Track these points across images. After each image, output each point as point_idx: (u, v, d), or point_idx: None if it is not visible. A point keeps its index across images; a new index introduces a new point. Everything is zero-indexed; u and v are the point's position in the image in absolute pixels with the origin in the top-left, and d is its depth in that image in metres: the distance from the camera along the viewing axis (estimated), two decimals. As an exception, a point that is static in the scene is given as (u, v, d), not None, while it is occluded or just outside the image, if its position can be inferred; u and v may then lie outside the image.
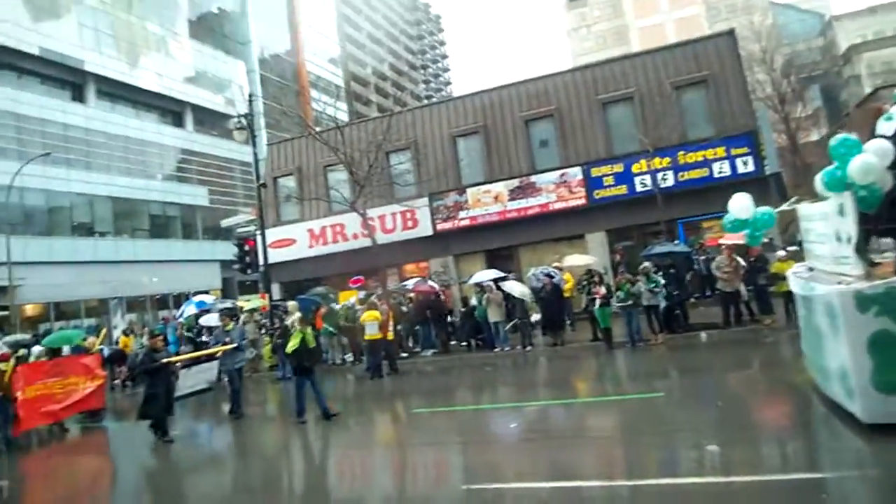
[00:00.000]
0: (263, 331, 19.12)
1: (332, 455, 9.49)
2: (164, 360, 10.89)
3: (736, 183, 16.71)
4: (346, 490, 7.65)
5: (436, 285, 19.00)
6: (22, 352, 14.02)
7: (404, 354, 17.13)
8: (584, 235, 20.78)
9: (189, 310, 21.40)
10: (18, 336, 21.63)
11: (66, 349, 15.75)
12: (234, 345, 12.38)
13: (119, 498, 8.72)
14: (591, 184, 20.49)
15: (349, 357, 17.94)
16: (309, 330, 11.21)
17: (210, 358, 12.14)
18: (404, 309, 18.08)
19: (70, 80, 40.64)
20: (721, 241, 15.37)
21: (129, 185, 41.21)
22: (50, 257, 34.93)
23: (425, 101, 30.76)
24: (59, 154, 35.35)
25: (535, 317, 16.54)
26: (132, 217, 42.28)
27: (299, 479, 8.55)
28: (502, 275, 17.11)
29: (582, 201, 20.52)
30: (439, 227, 22.29)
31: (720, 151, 19.41)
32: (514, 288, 16.06)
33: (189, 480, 9.07)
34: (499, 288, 16.41)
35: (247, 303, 22.68)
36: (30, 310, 33.28)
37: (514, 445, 8.53)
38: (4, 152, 33.91)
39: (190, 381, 11.54)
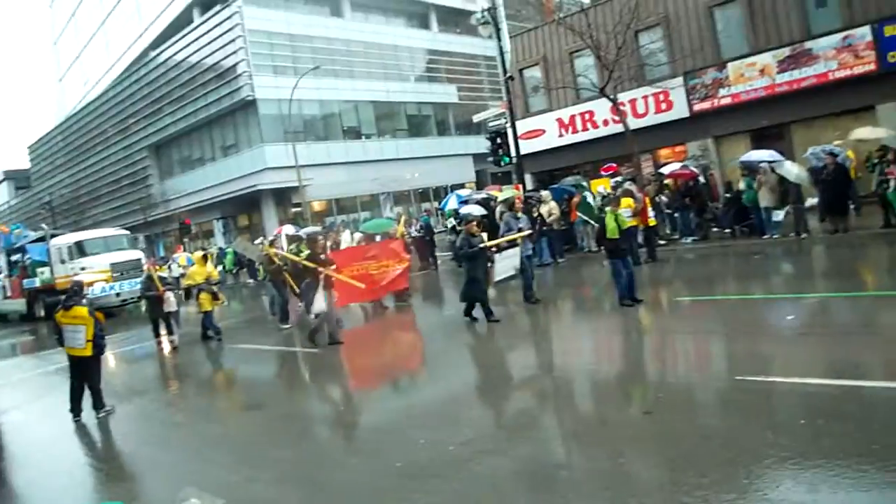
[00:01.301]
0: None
1: (592, 340, 9.84)
2: (482, 245, 11.04)
3: None
4: (609, 374, 7.98)
5: (695, 169, 18.05)
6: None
7: (662, 242, 16.80)
8: (875, 107, 17.90)
9: (451, 202, 22.92)
10: (311, 227, 25.11)
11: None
12: (529, 231, 12.42)
13: (437, 364, 10.02)
14: (884, 45, 17.36)
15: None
16: (620, 212, 11.07)
17: (511, 245, 11.78)
18: (663, 198, 17.54)
19: (326, -6, 43.87)
20: None
21: (387, 89, 44.15)
22: (328, 159, 39.38)
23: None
24: (326, 66, 38.70)
25: (812, 201, 15.03)
26: (392, 118, 45.59)
27: (571, 361, 9.07)
28: (777, 156, 15.56)
29: (871, 67, 17.57)
30: (696, 107, 20.81)
31: None
32: (791, 170, 14.63)
33: (503, 353, 9.90)
34: (772, 170, 15.09)
35: (500, 192, 23.62)
36: (316, 206, 37.98)
37: (788, 338, 8.13)
38: (283, 70, 38.14)
39: (502, 265, 11.50)
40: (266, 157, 37.28)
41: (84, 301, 9.18)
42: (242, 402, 9.20)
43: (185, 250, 31.45)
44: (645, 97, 21.82)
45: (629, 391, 6.97)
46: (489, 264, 11.36)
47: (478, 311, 11.10)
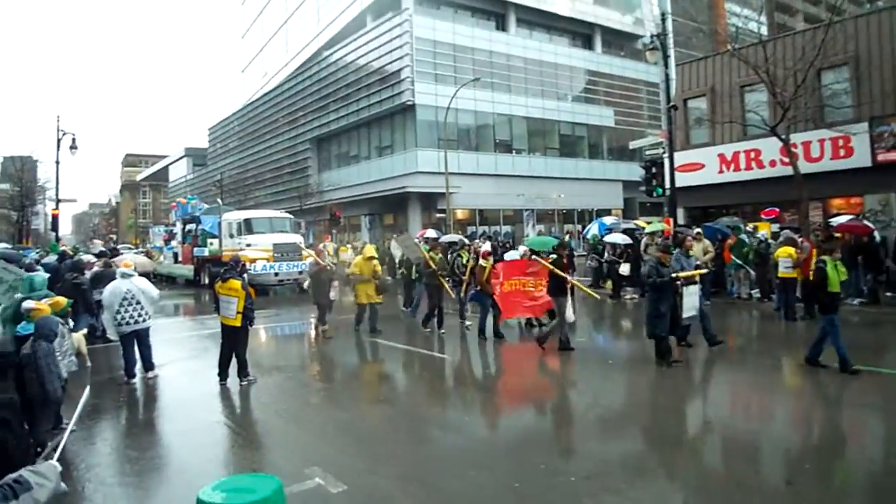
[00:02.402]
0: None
1: (751, 396, 9.21)
2: (672, 276, 10.00)
3: None
4: (758, 434, 7.43)
5: (871, 225, 16.50)
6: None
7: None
8: None
9: (594, 229, 22.51)
10: (452, 236, 25.52)
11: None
12: (705, 270, 11.66)
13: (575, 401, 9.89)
14: None
15: (756, 292, 16.94)
16: (836, 261, 9.60)
17: (690, 282, 10.56)
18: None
19: (494, 10, 44.65)
20: None
21: (542, 106, 44.16)
22: (476, 169, 39.98)
23: (868, 7, 25.74)
24: (485, 79, 39.37)
25: None
26: (544, 135, 45.52)
27: (724, 413, 8.56)
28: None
29: None
30: (881, 157, 19.05)
31: None
32: None
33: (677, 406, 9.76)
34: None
35: (648, 224, 22.86)
36: (460, 214, 38.62)
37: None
38: (444, 79, 39.21)
39: (689, 301, 10.40)
40: (418, 160, 38.46)
41: (239, 275, 9.88)
42: (374, 395, 9.47)
43: (331, 241, 33.07)
44: (821, 141, 20.29)
45: (774, 455, 6.46)
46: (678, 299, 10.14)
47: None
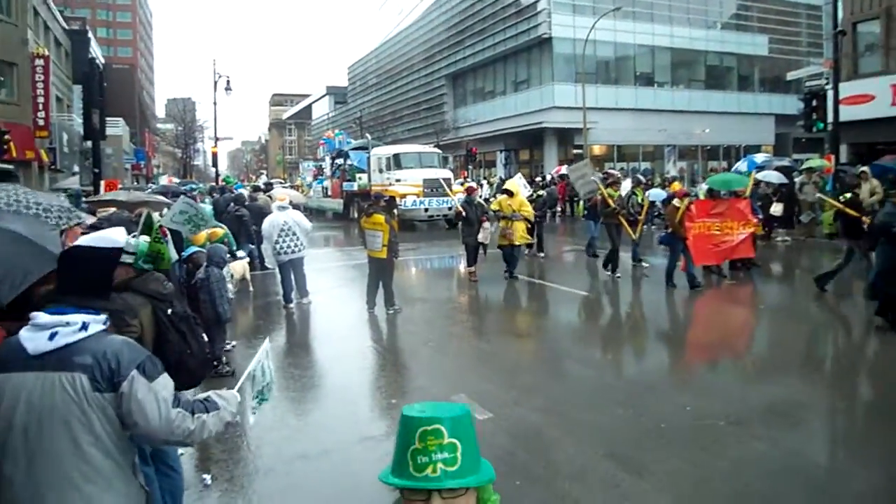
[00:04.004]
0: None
1: None
2: None
3: None
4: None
5: None
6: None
7: None
8: None
9: (742, 167, 21.15)
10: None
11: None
12: None
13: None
14: None
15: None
16: None
17: None
18: None
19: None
20: None
21: (688, 35, 41.44)
22: (615, 104, 38.48)
23: None
24: (626, 7, 37.25)
25: None
26: (689, 67, 42.85)
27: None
28: None
29: None
30: None
31: None
32: None
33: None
34: None
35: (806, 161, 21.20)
36: (597, 150, 37.57)
37: None
38: (582, 9, 37.63)
39: None
40: (555, 95, 37.57)
41: (384, 209, 10.30)
42: (518, 329, 9.71)
43: (468, 177, 33.31)
44: None
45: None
46: None
47: None
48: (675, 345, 8.86)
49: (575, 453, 5.05)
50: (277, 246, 10.38)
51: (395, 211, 21.28)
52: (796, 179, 18.27)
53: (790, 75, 37.15)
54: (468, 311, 10.89)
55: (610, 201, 12.74)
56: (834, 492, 4.43)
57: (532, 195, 15.78)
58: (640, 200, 13.42)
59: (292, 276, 10.65)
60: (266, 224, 10.72)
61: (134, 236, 3.47)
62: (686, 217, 11.26)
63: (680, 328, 9.88)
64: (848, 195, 10.76)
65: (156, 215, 7.02)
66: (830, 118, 19.19)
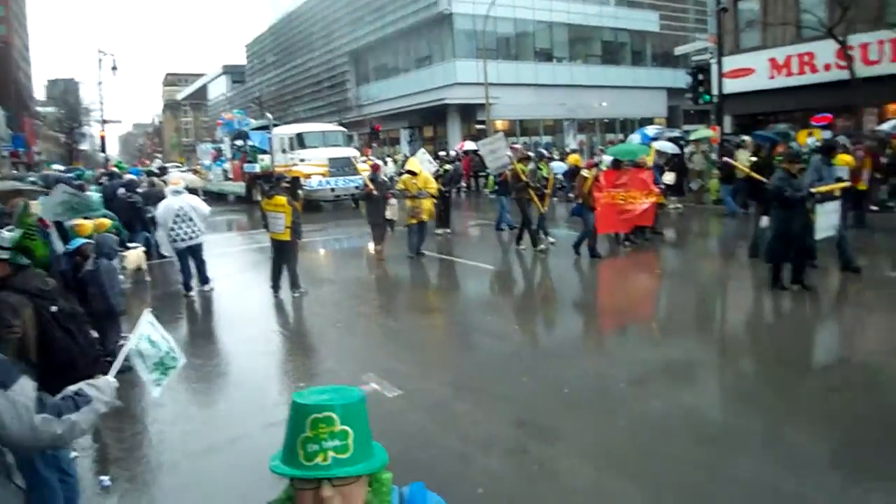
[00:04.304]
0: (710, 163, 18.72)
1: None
2: (813, 190, 8.38)
3: None
4: (809, 345, 7.51)
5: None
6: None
7: (874, 208, 15.11)
8: None
9: (635, 139, 21.96)
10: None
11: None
12: (848, 183, 9.34)
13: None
14: None
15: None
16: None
17: (829, 197, 8.79)
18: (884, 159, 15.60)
19: None
20: None
21: (584, 12, 42.38)
22: (516, 80, 38.94)
23: None
24: (525, -17, 37.60)
25: None
26: (586, 43, 43.90)
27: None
28: None
29: None
30: (946, 58, 18.03)
31: None
32: None
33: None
34: None
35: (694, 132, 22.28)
36: (500, 125, 38.01)
37: None
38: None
39: (824, 221, 8.74)
40: (456, 71, 37.64)
41: (285, 191, 10.07)
42: (425, 306, 9.76)
43: (372, 154, 32.95)
44: (881, 42, 19.14)
45: (821, 365, 6.57)
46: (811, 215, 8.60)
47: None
48: (579, 313, 9.18)
49: (484, 424, 5.15)
50: (173, 232, 9.96)
51: (301, 192, 20.95)
52: (686, 150, 19.20)
53: (678, 50, 38.78)
54: (376, 290, 10.85)
55: (522, 176, 12.86)
56: (726, 443, 4.71)
57: (438, 171, 15.80)
58: (544, 174, 13.69)
59: (191, 264, 10.27)
60: (160, 210, 10.26)
61: (10, 229, 3.24)
62: (595, 187, 11.55)
63: (584, 297, 10.19)
64: (754, 159, 11.30)
65: (35, 205, 6.56)
66: (715, 91, 20.23)
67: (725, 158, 15.37)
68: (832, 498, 3.88)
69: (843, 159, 13.21)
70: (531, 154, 15.06)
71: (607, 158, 13.50)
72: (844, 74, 17.82)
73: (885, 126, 16.76)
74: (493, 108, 34.02)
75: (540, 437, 4.84)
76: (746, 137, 17.06)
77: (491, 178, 15.01)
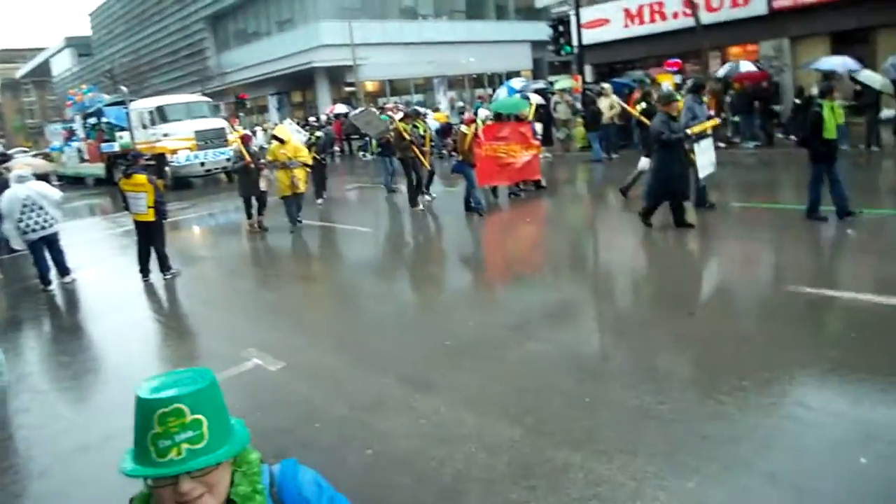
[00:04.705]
0: (573, 112, 19.43)
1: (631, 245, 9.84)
2: (689, 131, 8.77)
3: None
4: (661, 275, 8.06)
5: (766, 70, 17.19)
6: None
7: (721, 145, 16.31)
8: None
9: (501, 93, 22.34)
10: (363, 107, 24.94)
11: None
12: (719, 121, 10.75)
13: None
14: None
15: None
16: (836, 105, 8.43)
17: (702, 136, 9.33)
18: (727, 98, 16.84)
19: None
20: None
21: (445, -34, 42.21)
22: (383, 39, 38.36)
23: None
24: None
25: (888, 112, 14.27)
26: (450, -2, 43.88)
27: (628, 261, 9.16)
28: (854, 64, 14.65)
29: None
30: (776, 4, 19.39)
31: None
32: (874, 79, 13.82)
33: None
34: (851, 78, 14.29)
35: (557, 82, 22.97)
36: (369, 86, 37.53)
37: (844, 253, 8.02)
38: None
39: (703, 159, 9.17)
40: (321, 33, 36.56)
41: (144, 169, 9.52)
42: (308, 275, 9.61)
43: (240, 124, 31.66)
44: (721, -10, 20.43)
45: (678, 293, 7.08)
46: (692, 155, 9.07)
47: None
48: (460, 267, 9.36)
49: (369, 385, 5.19)
50: (22, 224, 9.18)
51: (168, 169, 19.84)
52: (552, 100, 19.80)
53: (539, 3, 39.47)
54: (252, 264, 10.59)
55: (406, 134, 12.76)
56: (602, 376, 5.03)
57: (310, 138, 15.42)
58: (421, 132, 13.66)
59: (47, 255, 9.54)
60: (4, 201, 9.37)
61: None
62: (475, 143, 11.61)
63: (465, 252, 10.35)
64: (644, 105, 11.70)
65: None
66: (575, 42, 20.88)
67: (619, 103, 16.02)
68: (691, 411, 4.24)
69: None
70: (416, 111, 15.12)
71: (483, 113, 13.59)
72: (690, 22, 18.86)
73: (721, 71, 18.01)
74: (361, 69, 33.48)
75: (425, 392, 4.95)
76: (606, 85, 17.83)
77: (374, 141, 15.00)
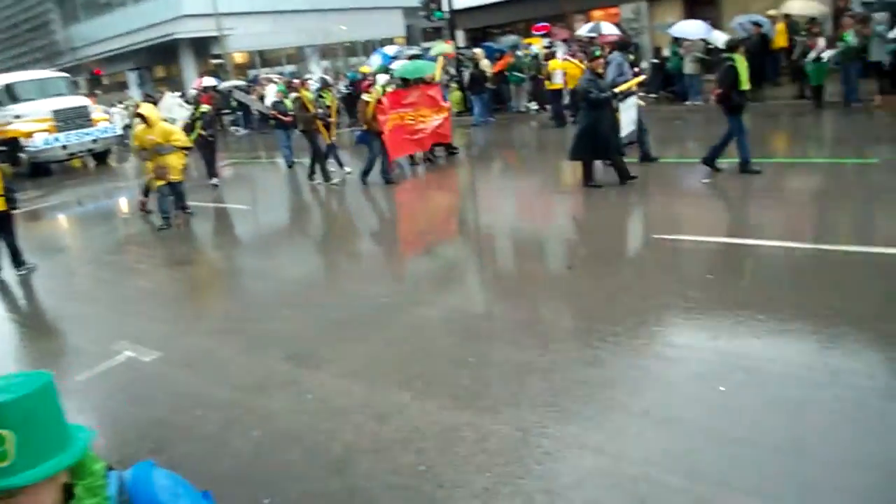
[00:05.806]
0: (449, 77, 19.43)
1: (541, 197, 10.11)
2: (616, 90, 8.90)
3: None
4: (542, 233, 8.32)
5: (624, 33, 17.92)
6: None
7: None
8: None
9: (375, 60, 21.99)
10: (235, 82, 23.91)
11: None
12: (644, 77, 10.79)
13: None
14: None
15: (533, 105, 18.14)
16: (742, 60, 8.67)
17: (626, 94, 9.46)
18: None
19: None
20: None
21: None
22: (250, 8, 36.69)
23: None
24: None
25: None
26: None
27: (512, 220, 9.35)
28: (707, 28, 15.56)
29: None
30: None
31: None
32: (719, 39, 14.73)
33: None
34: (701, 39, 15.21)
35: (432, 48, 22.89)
36: (238, 58, 35.92)
37: (699, 201, 8.60)
38: None
39: (627, 117, 9.40)
40: (182, 3, 34.43)
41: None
42: (188, 259, 9.04)
43: (97, 104, 29.34)
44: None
45: (557, 249, 7.33)
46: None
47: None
48: (349, 241, 9.18)
49: (253, 366, 5.04)
50: None
51: (23, 155, 18.08)
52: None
53: (408, -31, 39.17)
54: (120, 253, 9.89)
55: (310, 106, 12.19)
56: (486, 335, 5.15)
57: (194, 113, 13.99)
58: (327, 103, 13.11)
59: None
60: None
61: None
62: (378, 111, 11.06)
63: (361, 224, 10.11)
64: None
65: None
66: (447, 7, 20.86)
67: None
68: (570, 361, 4.43)
69: (558, 64, 14.56)
70: (325, 80, 15.00)
71: (382, 78, 13.00)
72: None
73: (583, 30, 18.54)
74: (228, 40, 31.96)
75: (310, 367, 4.87)
76: (477, 50, 17.97)
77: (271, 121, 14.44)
